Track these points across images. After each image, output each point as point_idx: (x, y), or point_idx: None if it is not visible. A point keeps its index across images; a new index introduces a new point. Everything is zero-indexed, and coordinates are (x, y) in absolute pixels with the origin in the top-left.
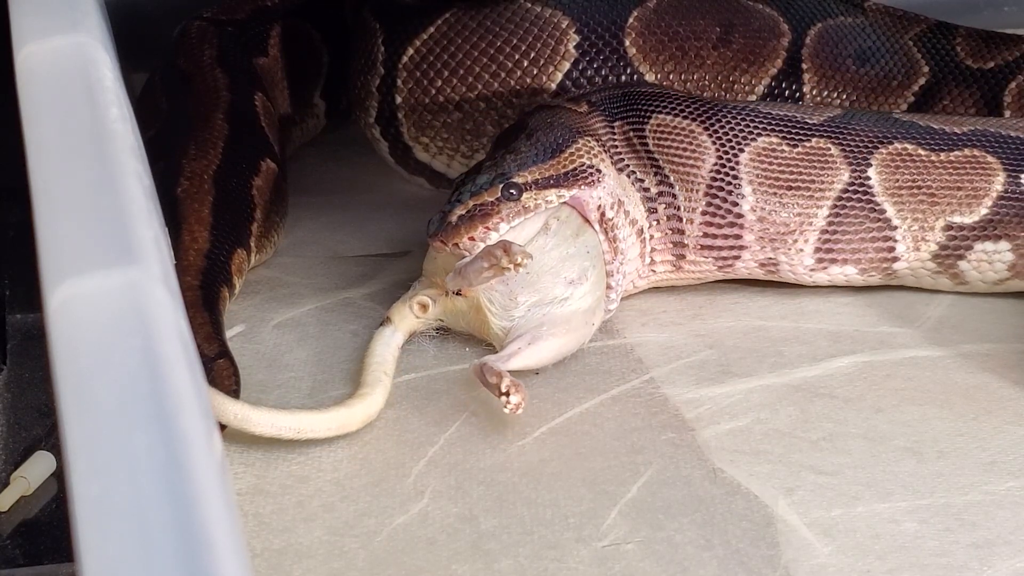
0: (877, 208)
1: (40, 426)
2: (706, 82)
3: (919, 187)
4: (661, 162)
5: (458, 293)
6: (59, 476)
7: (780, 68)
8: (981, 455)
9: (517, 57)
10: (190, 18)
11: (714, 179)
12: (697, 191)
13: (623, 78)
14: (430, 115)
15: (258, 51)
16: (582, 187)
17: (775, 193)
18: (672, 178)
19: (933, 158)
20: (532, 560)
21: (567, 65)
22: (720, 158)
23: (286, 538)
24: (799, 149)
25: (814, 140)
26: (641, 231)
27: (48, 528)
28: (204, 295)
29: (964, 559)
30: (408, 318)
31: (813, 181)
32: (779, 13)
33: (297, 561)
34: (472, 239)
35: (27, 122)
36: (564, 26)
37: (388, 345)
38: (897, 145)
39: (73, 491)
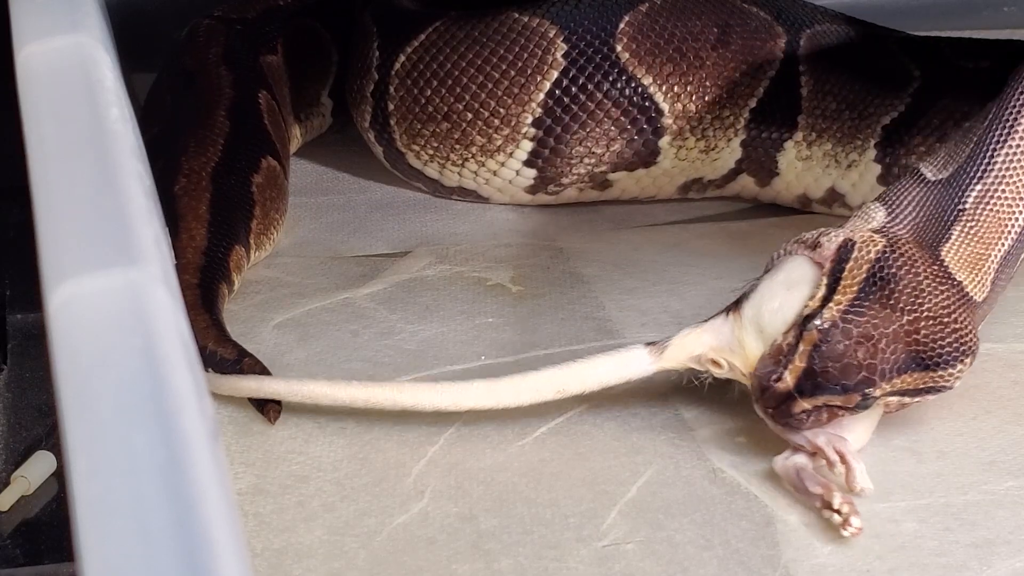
0: None
1: (40, 426)
2: (707, 84)
3: None
4: None
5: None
6: (59, 476)
7: (778, 69)
8: (980, 455)
9: (504, 68)
10: (200, 17)
11: None
12: None
13: (617, 84)
14: (419, 124)
15: (267, 49)
16: (928, 394)
17: None
18: None
19: None
20: (532, 560)
21: (555, 74)
22: None
23: (286, 538)
24: None
25: None
26: None
27: (48, 528)
28: (203, 293)
29: (964, 559)
30: (685, 355)
31: None
32: (772, 16)
33: (297, 561)
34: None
35: (27, 122)
36: (551, 36)
37: (618, 362)
38: None
39: (73, 491)
